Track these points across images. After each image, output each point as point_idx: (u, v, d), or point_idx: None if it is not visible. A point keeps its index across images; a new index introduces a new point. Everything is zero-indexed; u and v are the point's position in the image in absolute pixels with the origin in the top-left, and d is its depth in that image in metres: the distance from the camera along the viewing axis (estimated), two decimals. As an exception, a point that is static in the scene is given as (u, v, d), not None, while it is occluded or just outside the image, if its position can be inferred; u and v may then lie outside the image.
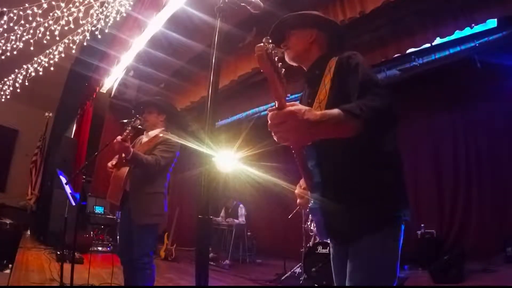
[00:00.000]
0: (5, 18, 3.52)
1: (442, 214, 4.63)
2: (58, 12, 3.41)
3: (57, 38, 3.74)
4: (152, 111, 2.37)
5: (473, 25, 3.37)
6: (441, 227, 4.54)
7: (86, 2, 3.52)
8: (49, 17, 3.51)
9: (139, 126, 2.17)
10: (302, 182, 1.20)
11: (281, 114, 0.75)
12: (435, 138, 4.95)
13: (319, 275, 3.38)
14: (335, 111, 0.81)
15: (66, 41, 3.96)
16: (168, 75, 5.41)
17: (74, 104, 6.99)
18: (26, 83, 4.56)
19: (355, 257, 0.99)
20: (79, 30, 3.82)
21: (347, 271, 1.00)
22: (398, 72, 4.65)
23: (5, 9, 3.48)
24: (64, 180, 2.65)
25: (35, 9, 3.41)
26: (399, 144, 1.05)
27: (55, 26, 3.58)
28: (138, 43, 4.29)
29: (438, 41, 3.70)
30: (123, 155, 2.07)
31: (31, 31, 3.65)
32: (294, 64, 1.23)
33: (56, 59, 4.16)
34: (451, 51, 4.16)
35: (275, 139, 0.79)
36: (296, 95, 4.39)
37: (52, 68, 4.28)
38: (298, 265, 4.08)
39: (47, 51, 4.18)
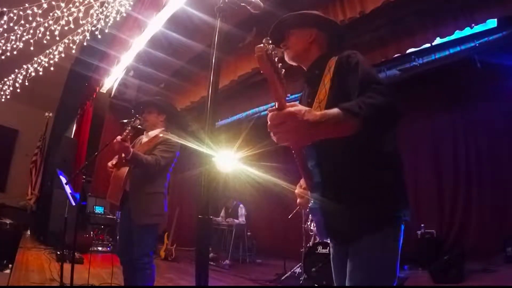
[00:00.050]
0: (5, 18, 3.52)
1: (442, 214, 4.63)
2: (58, 12, 3.41)
3: (57, 38, 3.74)
4: (152, 111, 2.36)
5: (473, 25, 3.37)
6: (441, 227, 4.54)
7: (86, 2, 3.52)
8: (49, 17, 3.51)
9: (139, 126, 2.17)
10: (302, 182, 1.20)
11: (281, 115, 0.75)
12: (435, 138, 4.95)
13: (319, 275, 3.38)
14: (335, 110, 0.80)
15: (66, 41, 3.96)
16: (168, 75, 5.41)
17: (74, 104, 6.99)
18: (26, 83, 4.56)
19: (355, 257, 0.99)
20: (79, 30, 3.82)
21: (347, 271, 1.00)
22: (398, 72, 4.65)
23: (5, 9, 3.48)
24: (64, 180, 2.65)
25: (35, 9, 3.41)
26: (399, 144, 1.05)
27: (55, 26, 3.57)
28: (138, 43, 4.29)
29: (438, 41, 3.70)
30: (123, 155, 2.07)
31: (31, 31, 3.64)
32: (294, 63, 1.23)
33: (56, 59, 4.16)
34: (451, 51, 4.16)
35: (274, 139, 0.79)
36: (296, 95, 4.39)
37: (52, 68, 4.28)
38: (298, 265, 4.08)
39: (47, 51, 4.18)
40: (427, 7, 3.48)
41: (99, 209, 5.64)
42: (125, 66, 5.01)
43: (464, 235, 4.34)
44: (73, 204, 2.64)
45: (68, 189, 2.63)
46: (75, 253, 2.62)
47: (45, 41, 3.76)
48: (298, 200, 1.20)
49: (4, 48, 3.79)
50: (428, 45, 3.76)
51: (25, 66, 4.50)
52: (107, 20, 3.67)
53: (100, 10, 3.65)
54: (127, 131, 2.03)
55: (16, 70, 4.62)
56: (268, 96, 4.99)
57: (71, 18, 3.51)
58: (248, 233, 6.09)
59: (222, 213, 6.28)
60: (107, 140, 2.33)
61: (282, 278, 4.04)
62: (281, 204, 5.87)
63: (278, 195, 5.37)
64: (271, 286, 3.90)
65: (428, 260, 3.76)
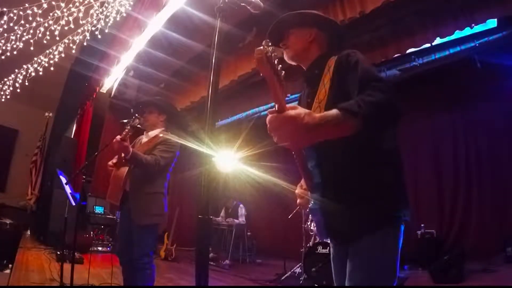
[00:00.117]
0: (5, 18, 3.52)
1: (442, 214, 4.63)
2: (58, 12, 3.41)
3: (57, 38, 3.74)
4: (153, 111, 2.37)
5: (473, 25, 3.37)
6: (441, 227, 4.54)
7: (86, 2, 3.52)
8: (49, 17, 3.51)
9: (138, 125, 2.16)
10: (303, 182, 1.20)
11: (280, 118, 0.75)
12: (435, 138, 4.95)
13: (319, 275, 3.38)
14: (333, 111, 0.80)
15: (66, 41, 3.96)
16: (168, 75, 5.41)
17: (74, 104, 6.99)
18: (26, 83, 4.56)
19: (355, 257, 0.99)
20: (79, 30, 3.82)
21: (347, 271, 1.00)
22: (398, 72, 4.65)
23: (5, 9, 3.48)
24: (64, 180, 2.65)
25: (35, 9, 3.41)
26: (399, 144, 1.05)
27: (55, 26, 3.57)
28: (138, 43, 4.29)
29: (438, 41, 3.70)
30: (123, 154, 2.07)
31: (31, 31, 3.64)
32: (293, 63, 1.22)
33: (56, 59, 4.16)
34: (451, 51, 4.15)
35: (274, 140, 0.79)
36: (295, 95, 4.39)
37: (52, 68, 4.27)
38: (298, 265, 4.08)
39: (47, 51, 4.18)
40: (427, 7, 3.48)
41: (99, 209, 5.64)
42: (125, 66, 5.01)
43: (464, 235, 4.34)
44: (73, 204, 2.64)
45: (68, 189, 2.63)
46: (75, 253, 2.63)
47: (45, 41, 3.76)
48: (298, 201, 1.20)
49: (4, 48, 3.79)
50: (428, 45, 3.76)
51: (25, 66, 4.50)
52: (107, 20, 3.67)
53: (100, 10, 3.65)
54: (126, 130, 2.03)
55: (16, 70, 4.61)
56: (268, 96, 4.99)
57: (71, 18, 3.51)
58: (248, 233, 6.09)
59: (222, 213, 6.28)
60: (107, 140, 2.34)
61: (282, 278, 4.04)
62: (281, 204, 5.87)
63: (278, 195, 5.37)
64: (271, 286, 3.90)
65: (428, 260, 3.76)
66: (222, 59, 3.51)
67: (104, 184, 5.29)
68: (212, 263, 5.19)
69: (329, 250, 1.19)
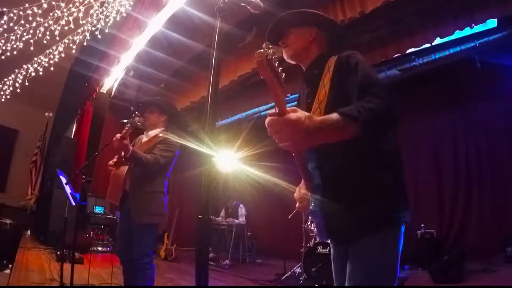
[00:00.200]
0: (5, 18, 3.52)
1: (442, 214, 4.63)
2: (58, 12, 3.41)
3: (57, 38, 3.74)
4: (154, 111, 2.37)
5: (473, 25, 3.37)
6: (441, 227, 4.54)
7: (86, 2, 3.52)
8: (49, 17, 3.51)
9: (138, 123, 2.16)
10: (301, 185, 1.20)
11: (280, 122, 0.75)
12: (435, 138, 4.95)
13: (319, 275, 3.38)
14: (334, 116, 0.81)
15: (66, 41, 3.96)
16: (168, 75, 5.41)
17: (74, 104, 6.99)
18: (26, 83, 4.56)
19: (355, 257, 0.99)
20: (79, 30, 3.82)
21: (347, 272, 0.99)
22: (398, 72, 4.65)
23: (5, 9, 3.48)
24: (64, 180, 2.65)
25: (35, 9, 3.41)
26: (399, 144, 1.05)
27: (55, 26, 3.57)
28: (138, 43, 4.29)
29: (438, 41, 3.70)
30: (122, 153, 2.07)
31: (31, 31, 3.64)
32: (292, 62, 1.22)
33: (56, 59, 4.16)
34: (451, 51, 4.15)
35: (275, 141, 0.80)
36: (295, 95, 4.38)
37: (52, 68, 4.27)
38: (298, 265, 4.08)
39: (47, 51, 4.18)
40: (427, 7, 3.48)
41: (99, 209, 5.64)
42: (125, 66, 5.01)
43: (464, 235, 4.34)
44: (73, 204, 2.64)
45: (68, 189, 2.63)
46: (75, 253, 2.63)
47: (45, 41, 3.76)
48: (297, 204, 1.20)
49: (4, 48, 3.79)
50: (428, 45, 3.76)
51: (25, 66, 4.50)
52: (107, 20, 3.67)
53: (100, 10, 3.65)
54: (126, 128, 2.03)
55: (16, 70, 4.61)
56: (268, 96, 4.99)
57: (71, 18, 3.51)
58: (248, 233, 6.09)
59: (222, 213, 6.28)
60: (107, 140, 2.33)
61: (282, 278, 4.04)
62: (281, 204, 5.87)
63: (278, 195, 5.36)
64: (271, 286, 3.90)
65: (428, 260, 3.76)
66: (222, 59, 3.51)
67: (104, 184, 5.29)
68: (212, 263, 5.19)
69: (329, 250, 1.19)
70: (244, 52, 4.40)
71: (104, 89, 5.83)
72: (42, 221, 5.46)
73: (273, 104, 0.80)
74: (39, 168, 7.07)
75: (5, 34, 3.72)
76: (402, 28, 3.76)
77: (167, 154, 2.21)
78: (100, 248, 5.33)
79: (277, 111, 0.75)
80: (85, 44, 4.25)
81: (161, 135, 2.30)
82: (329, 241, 1.24)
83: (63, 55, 4.14)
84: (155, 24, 3.84)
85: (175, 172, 5.19)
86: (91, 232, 5.35)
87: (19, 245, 4.34)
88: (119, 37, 4.37)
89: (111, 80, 5.49)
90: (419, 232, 4.29)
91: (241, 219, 5.99)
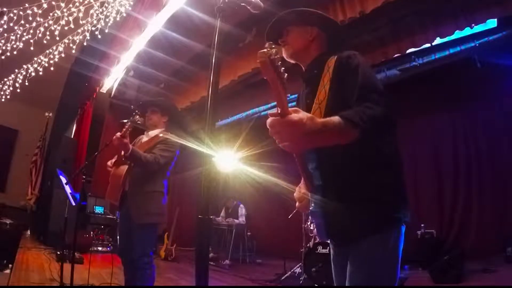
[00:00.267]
0: (5, 18, 3.52)
1: (442, 214, 4.63)
2: (58, 12, 3.41)
3: (57, 38, 3.75)
4: (156, 111, 2.37)
5: (473, 25, 3.37)
6: (441, 227, 4.54)
7: (86, 2, 3.52)
8: (49, 17, 3.51)
9: (138, 122, 2.15)
10: (301, 185, 1.20)
11: (282, 123, 0.75)
12: (435, 138, 4.96)
13: (319, 275, 3.38)
14: (336, 119, 0.81)
15: (66, 41, 3.96)
16: (168, 75, 5.41)
17: (74, 104, 6.99)
18: (26, 83, 4.56)
19: (355, 258, 0.99)
20: (79, 30, 3.82)
21: (347, 272, 0.99)
22: (398, 72, 4.65)
23: (5, 9, 3.48)
24: (64, 180, 2.65)
25: (35, 9, 3.41)
26: (399, 144, 1.05)
27: (55, 26, 3.58)
28: (138, 43, 4.29)
29: (438, 41, 3.70)
30: (122, 152, 2.07)
31: (31, 31, 3.65)
32: (292, 61, 1.22)
33: (56, 59, 4.16)
34: (451, 51, 4.15)
35: (276, 141, 0.80)
36: (295, 95, 4.38)
37: (52, 68, 4.28)
38: (298, 265, 4.08)
39: (47, 51, 4.18)
40: (427, 7, 3.48)
41: (99, 209, 5.64)
42: (125, 66, 5.01)
43: (464, 235, 4.34)
44: (73, 204, 2.64)
45: (68, 189, 2.63)
46: (75, 253, 2.63)
47: (45, 41, 3.76)
48: (297, 204, 1.20)
49: (4, 48, 3.79)
50: (428, 45, 3.76)
51: (25, 66, 4.50)
52: (107, 20, 3.67)
53: (100, 10, 3.65)
54: (126, 126, 2.03)
55: (16, 70, 4.62)
56: (268, 96, 4.99)
57: (71, 18, 3.51)
58: (248, 233, 6.09)
59: (222, 213, 6.28)
60: (107, 140, 2.33)
61: (282, 278, 4.04)
62: (281, 204, 5.87)
63: (278, 195, 5.36)
64: (271, 286, 3.90)
65: (428, 260, 3.76)
66: (222, 59, 3.51)
67: (104, 184, 5.28)
68: (212, 263, 5.19)
69: (329, 250, 1.19)
70: (244, 52, 4.40)
71: (104, 89, 5.83)
72: (42, 221, 5.46)
73: (273, 104, 0.79)
74: (39, 168, 7.08)
75: (5, 34, 3.72)
76: (402, 28, 3.77)
77: (167, 154, 2.21)
78: (100, 248, 5.33)
79: (279, 112, 0.75)
80: (85, 44, 4.25)
81: (161, 135, 2.31)
82: (329, 241, 1.24)
83: (63, 55, 4.14)
84: (155, 24, 3.85)
85: (175, 172, 5.20)
86: (91, 232, 5.35)
87: (19, 245, 4.35)
88: (119, 37, 4.37)
89: (111, 80, 5.49)
90: (419, 232, 4.29)
91: (241, 219, 5.99)
